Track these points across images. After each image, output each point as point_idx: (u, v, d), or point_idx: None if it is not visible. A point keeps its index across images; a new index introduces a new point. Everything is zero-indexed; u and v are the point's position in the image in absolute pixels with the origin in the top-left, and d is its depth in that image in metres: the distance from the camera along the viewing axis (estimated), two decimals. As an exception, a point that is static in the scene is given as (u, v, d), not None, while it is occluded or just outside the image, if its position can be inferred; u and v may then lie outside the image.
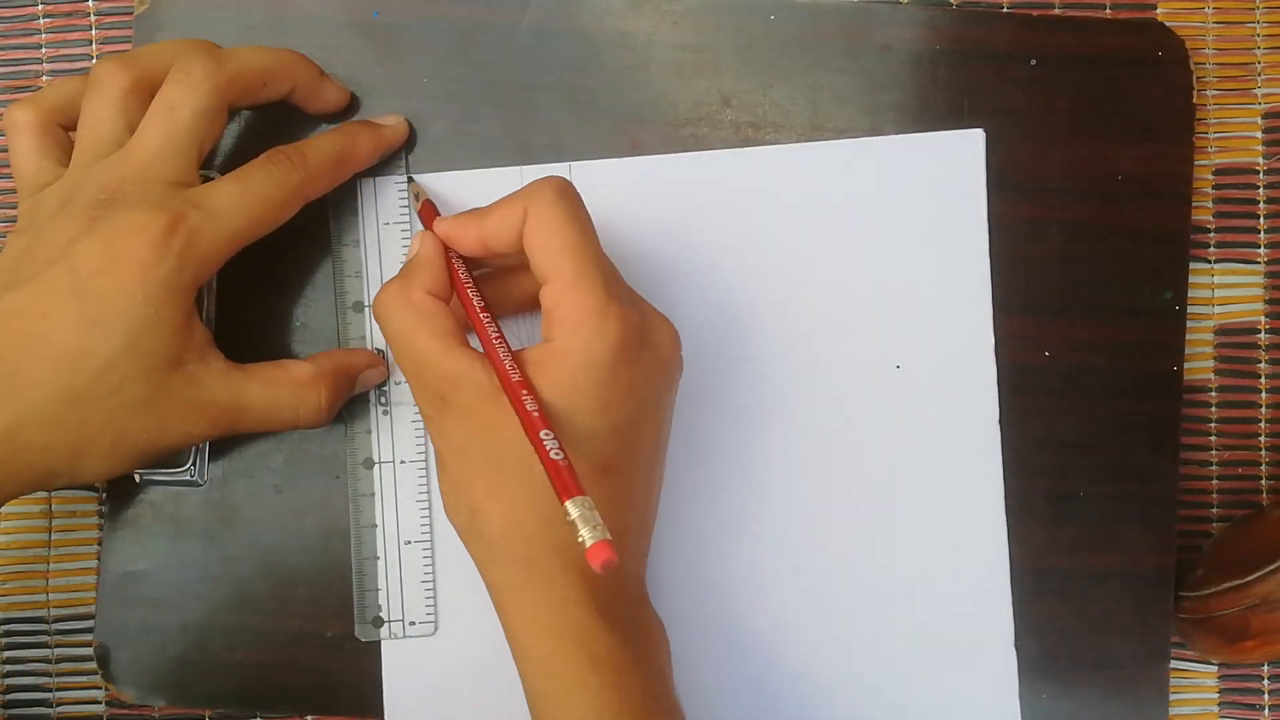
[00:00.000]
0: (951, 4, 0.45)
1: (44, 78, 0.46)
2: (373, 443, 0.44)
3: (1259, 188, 0.45)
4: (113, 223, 0.37)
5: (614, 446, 0.37)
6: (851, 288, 0.44)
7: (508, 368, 0.36)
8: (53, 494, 0.46)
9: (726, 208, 0.44)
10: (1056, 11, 0.45)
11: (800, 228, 0.44)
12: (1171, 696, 0.45)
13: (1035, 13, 0.45)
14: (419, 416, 0.44)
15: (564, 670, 0.36)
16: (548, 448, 0.34)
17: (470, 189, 0.44)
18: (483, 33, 0.45)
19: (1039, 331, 0.45)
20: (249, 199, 0.38)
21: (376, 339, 0.44)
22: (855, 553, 0.44)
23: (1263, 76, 0.46)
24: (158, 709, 0.46)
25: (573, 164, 0.44)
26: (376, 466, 0.44)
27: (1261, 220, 0.45)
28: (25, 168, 0.40)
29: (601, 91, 0.45)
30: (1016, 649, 0.44)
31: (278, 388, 0.40)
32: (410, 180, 0.44)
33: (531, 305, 0.40)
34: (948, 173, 0.44)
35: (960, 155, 0.44)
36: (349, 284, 0.44)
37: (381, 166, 0.44)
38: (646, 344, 0.37)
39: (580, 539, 0.32)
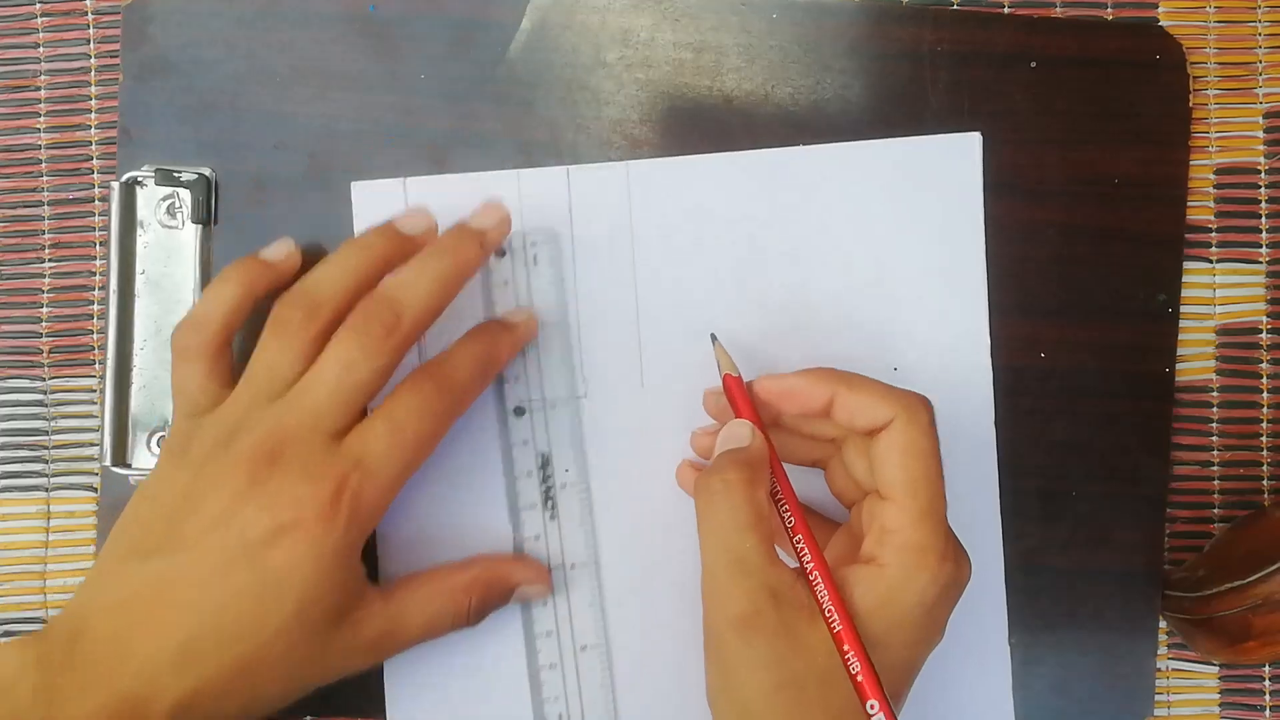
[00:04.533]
0: (953, 5, 0.45)
1: (41, 77, 0.46)
2: (543, 550, 0.44)
3: (1260, 187, 0.45)
4: (278, 490, 0.36)
5: (907, 674, 0.37)
6: (849, 290, 0.44)
7: (827, 594, 0.36)
8: (50, 494, 0.46)
9: (724, 211, 0.44)
10: (1057, 13, 0.45)
11: (797, 230, 0.44)
12: (1172, 697, 0.45)
13: (1036, 14, 0.45)
14: (585, 516, 0.43)
15: None
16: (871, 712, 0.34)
17: (467, 192, 0.44)
18: (482, 29, 0.45)
19: (1034, 333, 0.45)
20: (403, 441, 0.37)
21: (539, 441, 0.43)
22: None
23: (1264, 76, 0.45)
24: (156, 710, 0.46)
25: (570, 168, 0.44)
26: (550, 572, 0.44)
27: (1263, 220, 0.45)
28: (188, 389, 0.39)
29: (601, 91, 0.45)
30: (1010, 645, 0.44)
31: (433, 601, 0.40)
32: (715, 340, 0.42)
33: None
34: (945, 175, 0.44)
35: (957, 158, 0.44)
36: (507, 389, 0.44)
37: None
38: (960, 583, 0.37)
39: None
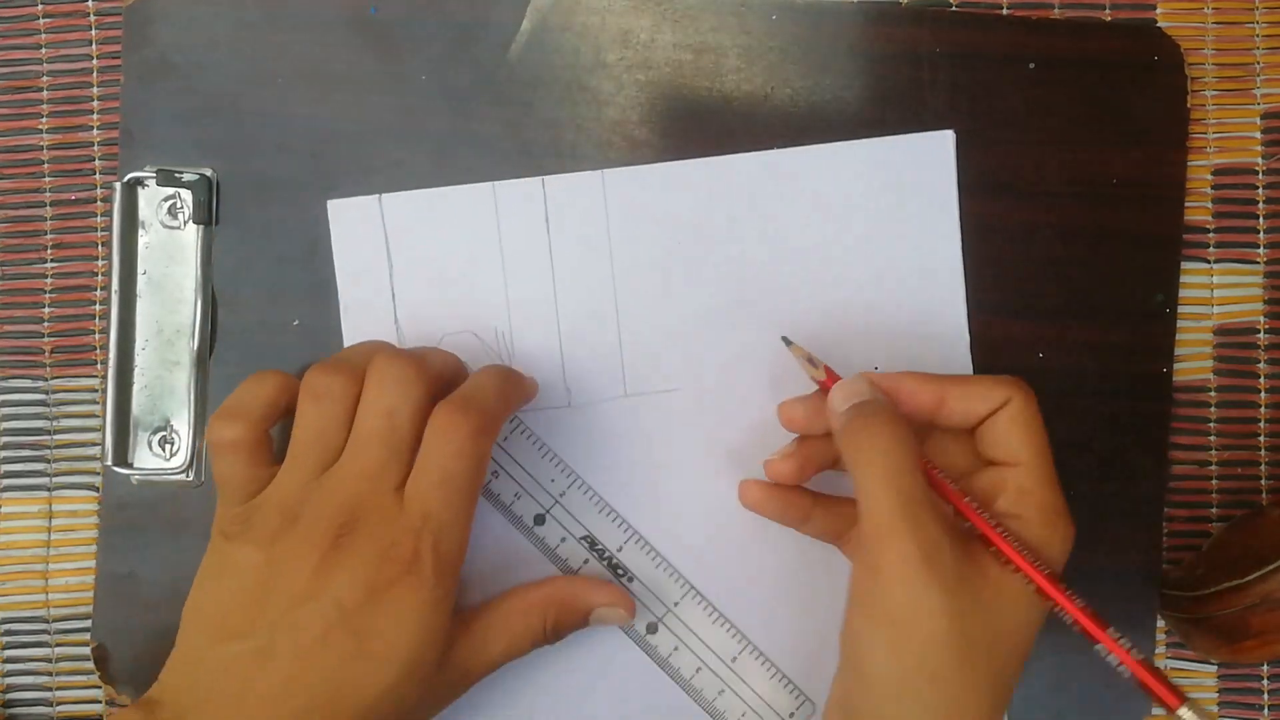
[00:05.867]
0: (951, 6, 0.45)
1: (44, 78, 0.46)
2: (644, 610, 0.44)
3: (1258, 188, 0.46)
4: (363, 558, 0.36)
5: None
6: (827, 290, 0.44)
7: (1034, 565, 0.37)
8: (52, 494, 0.46)
9: (700, 216, 0.44)
10: (1055, 14, 0.45)
11: (774, 233, 0.44)
12: (1170, 696, 0.45)
13: (1034, 15, 0.45)
14: (659, 560, 0.44)
15: None
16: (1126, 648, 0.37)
17: (441, 206, 0.44)
18: (482, 30, 0.45)
19: (1032, 333, 0.45)
20: (457, 486, 0.38)
21: (574, 529, 0.44)
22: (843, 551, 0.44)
23: (1261, 77, 0.46)
24: (157, 709, 0.46)
25: (545, 178, 0.44)
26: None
27: (1260, 220, 0.46)
28: (235, 479, 0.39)
29: (601, 92, 0.45)
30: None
31: (510, 623, 0.40)
32: (790, 343, 0.42)
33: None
34: (919, 174, 0.44)
35: (931, 156, 0.44)
36: (516, 507, 0.44)
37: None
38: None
39: None
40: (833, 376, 0.40)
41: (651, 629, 0.44)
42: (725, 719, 0.43)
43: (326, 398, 0.38)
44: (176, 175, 0.44)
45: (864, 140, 0.44)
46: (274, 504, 0.38)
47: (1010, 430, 0.38)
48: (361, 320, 0.44)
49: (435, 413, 0.38)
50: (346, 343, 0.44)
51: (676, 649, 0.44)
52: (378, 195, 0.44)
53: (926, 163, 0.44)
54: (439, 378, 0.40)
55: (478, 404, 0.39)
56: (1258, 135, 0.46)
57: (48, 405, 0.46)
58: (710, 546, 0.44)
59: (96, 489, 0.46)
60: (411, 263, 0.44)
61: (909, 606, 0.35)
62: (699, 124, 0.45)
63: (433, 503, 0.37)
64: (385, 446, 0.38)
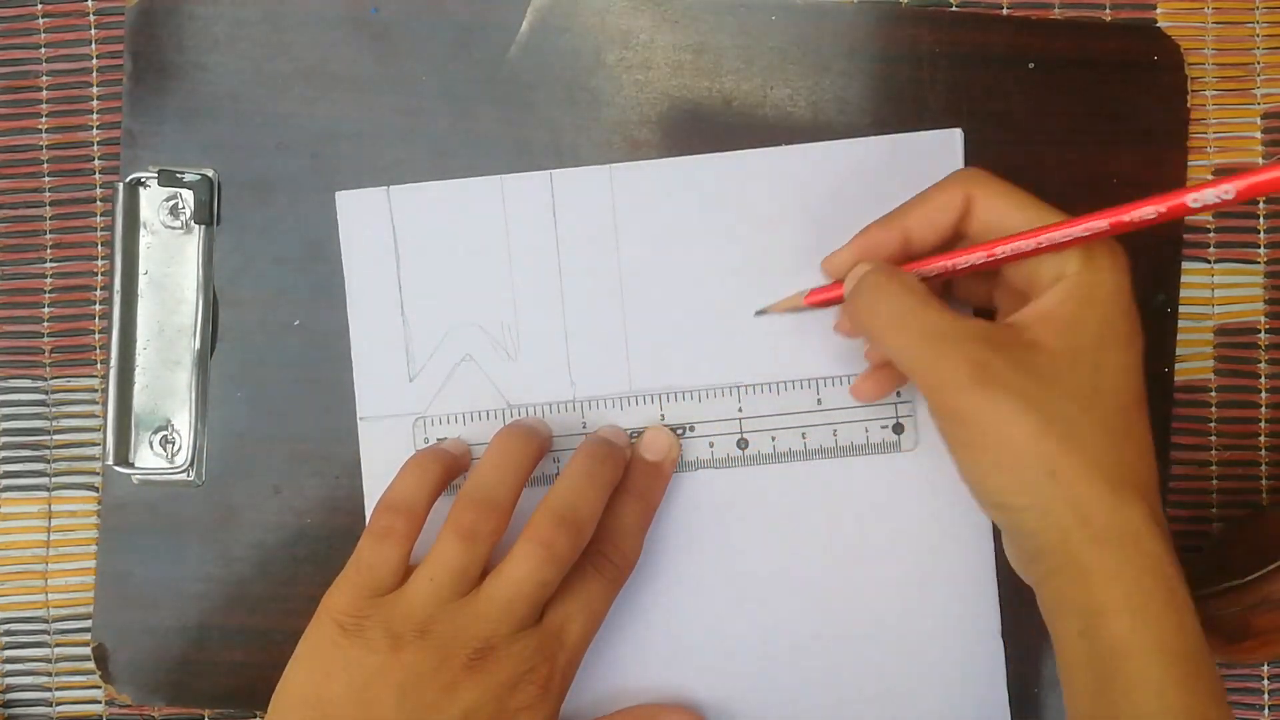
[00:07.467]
0: (951, 6, 0.45)
1: (44, 78, 0.46)
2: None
3: (1258, 188, 0.46)
4: (500, 675, 0.38)
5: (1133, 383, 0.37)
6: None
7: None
8: (52, 494, 0.46)
9: (707, 212, 0.44)
10: (1055, 14, 0.45)
11: (781, 229, 0.44)
12: (1170, 696, 0.45)
13: (1034, 15, 0.45)
14: None
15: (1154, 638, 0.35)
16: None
17: (449, 199, 0.44)
18: (482, 30, 0.45)
19: (1035, 331, 0.45)
20: (593, 617, 0.41)
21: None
22: (846, 550, 0.44)
23: (1262, 77, 0.46)
24: (157, 709, 0.46)
25: (553, 172, 0.44)
26: None
27: (1261, 220, 0.46)
28: (380, 569, 0.39)
29: (601, 92, 0.45)
30: (1004, 640, 0.44)
31: None
32: (765, 311, 0.44)
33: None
34: (927, 172, 0.44)
35: (939, 155, 0.44)
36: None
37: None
38: None
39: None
40: (815, 292, 0.42)
41: None
42: None
43: (474, 540, 0.39)
44: (178, 175, 0.44)
45: (871, 138, 0.44)
46: (404, 615, 0.38)
47: (1001, 217, 0.38)
48: (368, 311, 0.44)
49: (595, 562, 0.41)
50: (352, 338, 0.44)
51: None
52: (386, 187, 0.44)
53: (933, 161, 0.44)
54: (586, 536, 0.40)
55: (629, 558, 0.42)
56: (1258, 135, 0.46)
57: (47, 405, 0.46)
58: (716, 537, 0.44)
59: (96, 489, 0.46)
60: (418, 255, 0.44)
61: (986, 425, 0.35)
62: (699, 124, 0.45)
63: (572, 631, 0.40)
64: (530, 603, 0.39)
